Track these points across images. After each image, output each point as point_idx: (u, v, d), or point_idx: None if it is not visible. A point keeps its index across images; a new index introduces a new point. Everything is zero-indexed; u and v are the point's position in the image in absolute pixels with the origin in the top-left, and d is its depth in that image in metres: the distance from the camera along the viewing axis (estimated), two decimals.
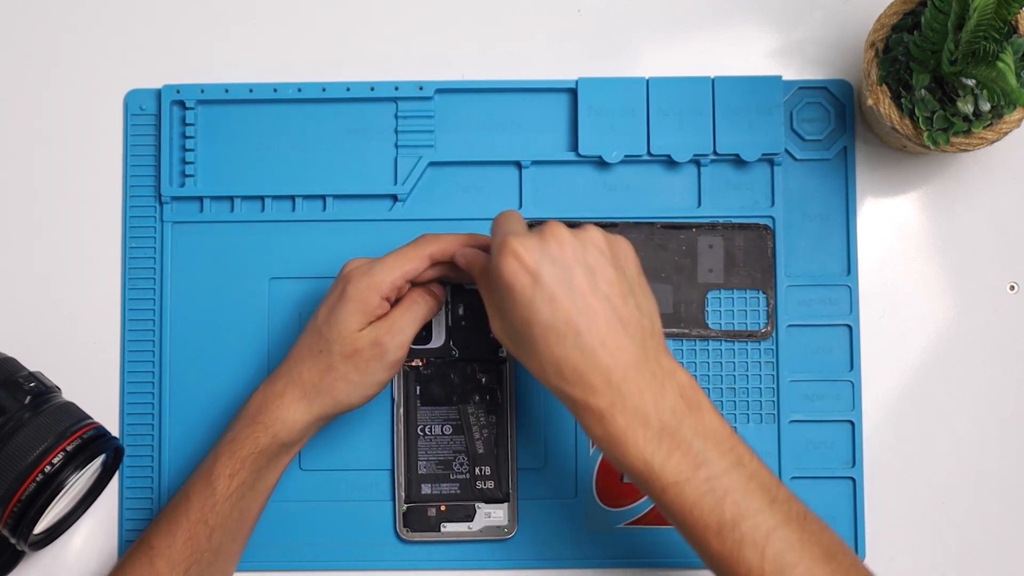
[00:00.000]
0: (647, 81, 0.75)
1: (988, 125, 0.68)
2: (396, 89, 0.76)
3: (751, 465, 0.59)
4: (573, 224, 0.73)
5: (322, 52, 0.77)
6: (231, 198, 0.76)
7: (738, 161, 0.75)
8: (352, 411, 0.69)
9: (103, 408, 0.74)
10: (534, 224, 0.65)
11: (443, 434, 0.73)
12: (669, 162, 0.75)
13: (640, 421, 0.58)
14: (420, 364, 0.74)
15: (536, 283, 0.59)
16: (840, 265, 0.75)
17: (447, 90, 0.76)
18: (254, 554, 0.74)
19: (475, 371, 0.73)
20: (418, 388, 0.73)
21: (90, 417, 0.69)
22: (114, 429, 0.75)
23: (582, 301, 0.58)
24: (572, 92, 0.76)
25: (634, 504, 0.74)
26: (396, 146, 0.76)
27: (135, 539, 0.69)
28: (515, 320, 0.60)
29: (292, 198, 0.76)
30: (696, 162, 0.75)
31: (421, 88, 0.76)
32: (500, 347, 0.73)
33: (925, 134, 0.68)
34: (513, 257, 0.59)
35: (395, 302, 0.68)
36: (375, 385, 0.68)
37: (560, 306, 0.58)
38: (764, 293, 0.75)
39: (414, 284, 0.68)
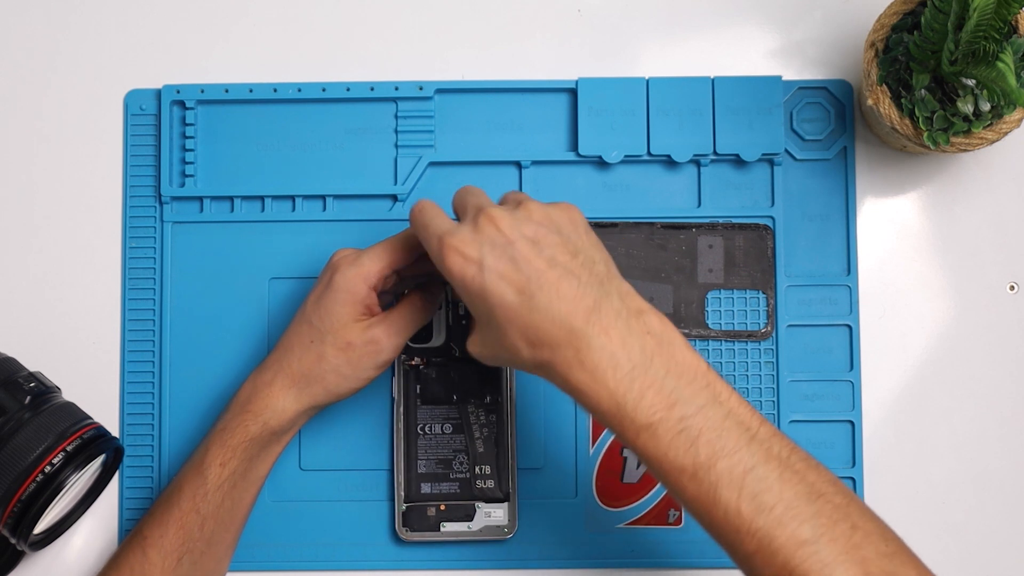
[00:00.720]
0: (647, 81, 0.75)
1: (988, 125, 0.68)
2: (396, 89, 0.76)
3: (729, 402, 0.57)
4: None
5: (322, 52, 0.77)
6: (231, 198, 0.76)
7: (738, 161, 0.75)
8: (349, 407, 0.71)
9: (103, 408, 0.74)
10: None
11: (443, 433, 0.73)
12: (669, 162, 0.75)
13: (609, 362, 0.57)
14: (420, 363, 0.74)
15: (483, 269, 0.58)
16: (840, 265, 0.75)
17: (447, 90, 0.76)
18: (254, 554, 0.74)
19: (475, 370, 0.73)
20: (418, 387, 0.73)
21: (90, 417, 0.69)
22: (114, 429, 0.75)
23: (528, 267, 0.58)
24: (572, 92, 0.76)
25: (634, 504, 0.74)
26: (396, 146, 0.76)
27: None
28: (480, 314, 0.59)
29: (292, 198, 0.76)
30: (696, 162, 0.75)
31: (421, 88, 0.76)
32: None
33: (925, 134, 0.68)
34: (454, 253, 0.59)
35: (382, 293, 0.68)
36: (365, 380, 0.68)
37: (510, 279, 0.58)
38: (764, 293, 0.75)
39: (402, 276, 0.69)
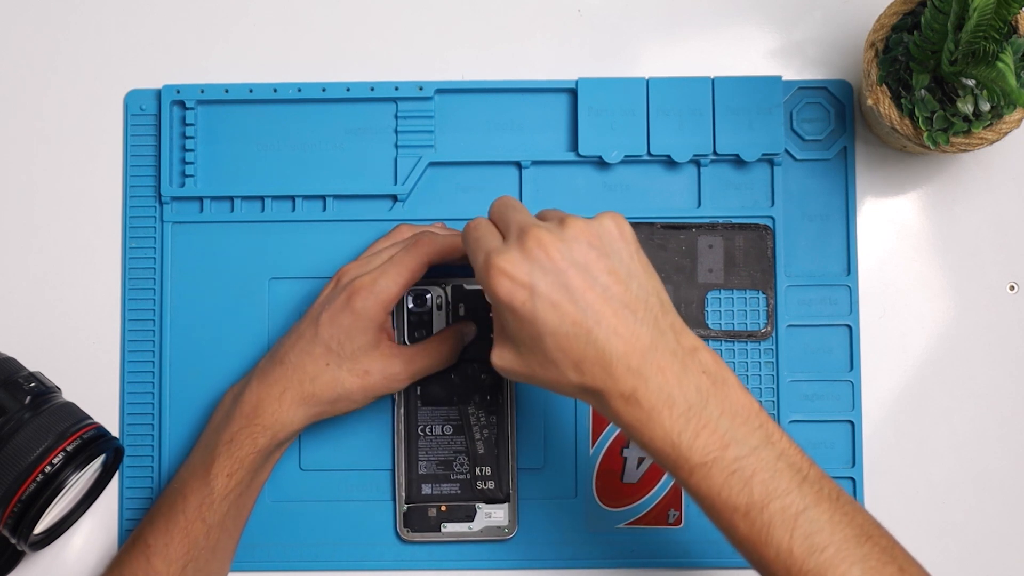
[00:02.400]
0: (647, 81, 0.75)
1: (988, 125, 0.68)
2: (396, 89, 0.76)
3: (780, 443, 0.57)
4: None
5: (322, 52, 0.77)
6: (231, 198, 0.76)
7: (738, 161, 0.75)
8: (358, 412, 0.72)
9: (103, 408, 0.74)
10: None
11: (443, 434, 0.73)
12: (669, 162, 0.75)
13: (665, 402, 0.57)
14: None
15: (534, 296, 0.57)
16: (840, 265, 0.75)
17: (447, 90, 0.76)
18: (254, 554, 0.74)
19: (475, 371, 0.73)
20: (418, 388, 0.73)
21: (90, 417, 0.69)
22: (114, 429, 0.75)
23: (583, 300, 0.57)
24: (572, 92, 0.76)
25: (634, 504, 0.74)
26: (396, 146, 0.76)
27: (129, 536, 0.70)
28: (524, 336, 0.59)
29: (292, 198, 0.76)
30: (696, 162, 0.75)
31: (421, 88, 0.76)
32: None
33: (925, 134, 0.68)
34: (503, 276, 0.58)
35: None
36: (368, 403, 0.70)
37: (564, 311, 0.57)
38: (764, 293, 0.75)
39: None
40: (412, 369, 0.69)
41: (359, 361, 0.68)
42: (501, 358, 0.61)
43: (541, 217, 0.63)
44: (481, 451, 0.73)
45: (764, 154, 0.75)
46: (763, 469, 0.56)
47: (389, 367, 0.68)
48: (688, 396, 0.57)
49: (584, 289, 0.58)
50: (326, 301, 0.69)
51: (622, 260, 0.59)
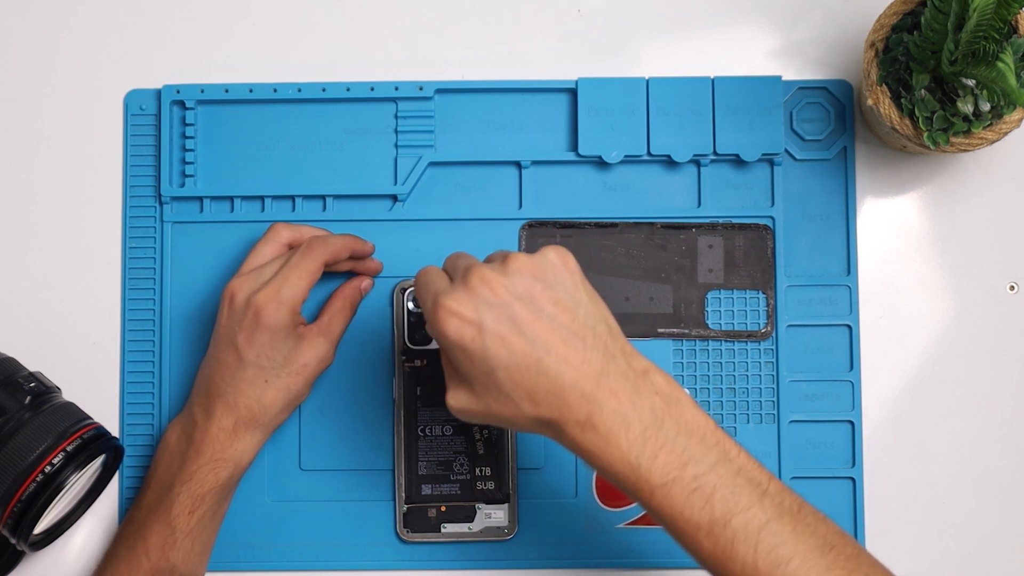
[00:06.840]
0: (647, 81, 0.75)
1: (988, 125, 0.68)
2: (396, 89, 0.76)
3: (739, 459, 0.58)
4: (568, 224, 0.74)
5: (322, 52, 0.77)
6: (231, 198, 0.76)
7: (738, 161, 0.75)
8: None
9: (103, 408, 0.74)
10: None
11: (443, 435, 0.73)
12: (669, 162, 0.75)
13: (621, 425, 0.57)
14: (421, 365, 0.74)
15: (482, 332, 0.57)
16: (840, 265, 0.75)
17: (447, 90, 0.76)
18: (254, 554, 0.74)
19: None
20: (419, 389, 0.73)
21: (90, 417, 0.69)
22: (114, 429, 0.75)
23: (531, 331, 0.57)
24: (572, 92, 0.76)
25: (634, 504, 0.74)
26: (396, 146, 0.76)
27: None
28: (476, 373, 0.58)
29: (292, 198, 0.76)
30: (696, 162, 0.75)
31: (421, 88, 0.76)
32: None
33: (925, 134, 0.68)
34: (450, 315, 0.58)
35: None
36: (311, 386, 0.72)
37: (513, 344, 0.57)
38: (764, 293, 0.75)
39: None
40: (333, 341, 0.71)
41: (293, 363, 0.69)
42: (456, 399, 0.61)
43: (489, 259, 0.62)
44: (481, 451, 0.73)
45: (764, 154, 0.75)
46: (723, 485, 0.57)
47: (318, 352, 0.70)
48: (643, 417, 0.57)
49: (531, 321, 0.58)
50: (233, 324, 0.69)
51: (567, 290, 0.59)
